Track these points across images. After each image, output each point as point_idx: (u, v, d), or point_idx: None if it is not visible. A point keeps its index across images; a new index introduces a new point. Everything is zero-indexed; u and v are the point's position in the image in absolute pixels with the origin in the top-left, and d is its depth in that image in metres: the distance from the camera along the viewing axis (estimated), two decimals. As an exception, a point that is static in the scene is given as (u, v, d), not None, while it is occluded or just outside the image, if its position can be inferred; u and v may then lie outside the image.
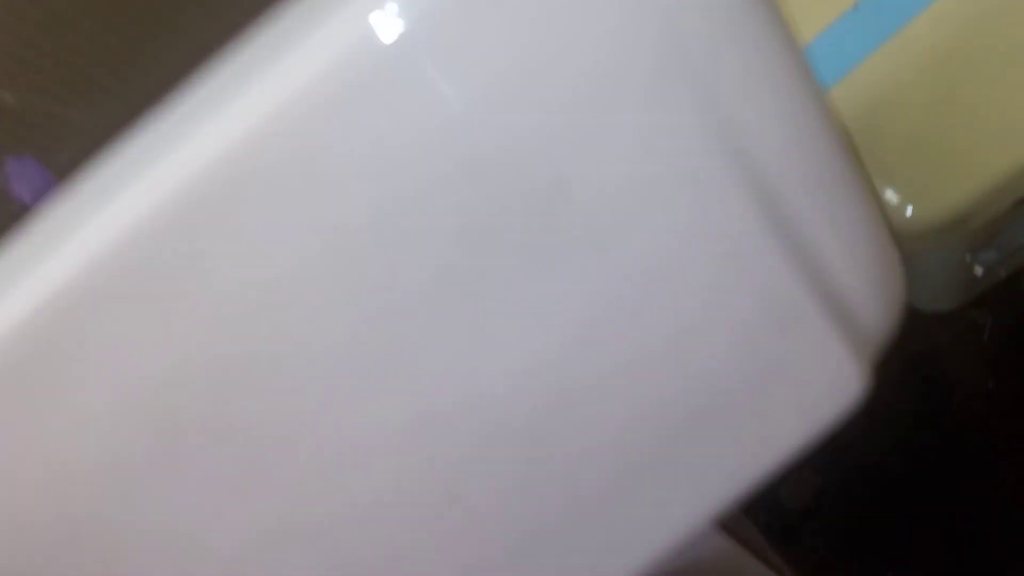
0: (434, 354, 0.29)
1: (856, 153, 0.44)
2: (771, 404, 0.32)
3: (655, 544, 0.34)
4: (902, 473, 0.90)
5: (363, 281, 0.27)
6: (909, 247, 0.47)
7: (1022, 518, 0.87)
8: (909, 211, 0.45)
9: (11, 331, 0.26)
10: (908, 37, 0.45)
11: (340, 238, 0.27)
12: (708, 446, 0.33)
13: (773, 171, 0.29)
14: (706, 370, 0.32)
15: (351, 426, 0.29)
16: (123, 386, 0.27)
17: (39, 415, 0.27)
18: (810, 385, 0.32)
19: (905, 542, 0.89)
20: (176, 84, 0.27)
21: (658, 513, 0.33)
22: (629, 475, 0.32)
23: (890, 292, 0.33)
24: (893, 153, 0.45)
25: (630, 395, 0.31)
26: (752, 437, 0.33)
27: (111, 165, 0.27)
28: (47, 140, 0.41)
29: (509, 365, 0.30)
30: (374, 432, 0.29)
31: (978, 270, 0.56)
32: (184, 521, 0.28)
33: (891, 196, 0.45)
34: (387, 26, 0.25)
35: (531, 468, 0.31)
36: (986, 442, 0.89)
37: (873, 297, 0.33)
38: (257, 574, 0.30)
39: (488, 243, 0.28)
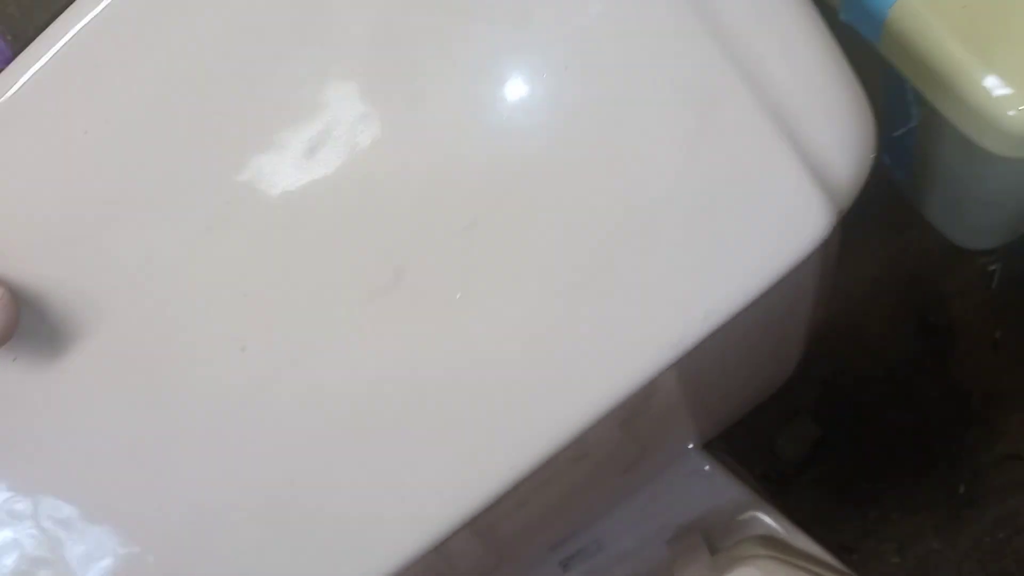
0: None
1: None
2: (721, 230, 0.29)
3: (605, 391, 0.31)
4: (903, 425, 0.87)
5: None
6: (1005, 153, 0.42)
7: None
8: (1013, 111, 0.41)
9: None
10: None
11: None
12: (657, 271, 0.30)
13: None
14: (643, 180, 0.29)
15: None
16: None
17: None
18: (764, 211, 0.29)
19: (903, 495, 0.86)
20: None
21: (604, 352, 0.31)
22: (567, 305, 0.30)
23: (852, 127, 0.29)
24: (1002, 44, 0.41)
25: (562, 206, 0.30)
26: (702, 267, 0.30)
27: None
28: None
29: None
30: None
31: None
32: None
33: (994, 89, 0.41)
34: None
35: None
36: (990, 394, 0.86)
37: (831, 126, 0.29)
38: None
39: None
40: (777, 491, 0.87)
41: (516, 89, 0.30)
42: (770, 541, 0.56)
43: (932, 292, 0.87)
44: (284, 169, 0.31)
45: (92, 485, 0.33)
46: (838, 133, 0.29)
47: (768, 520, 0.59)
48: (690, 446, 0.61)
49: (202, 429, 0.32)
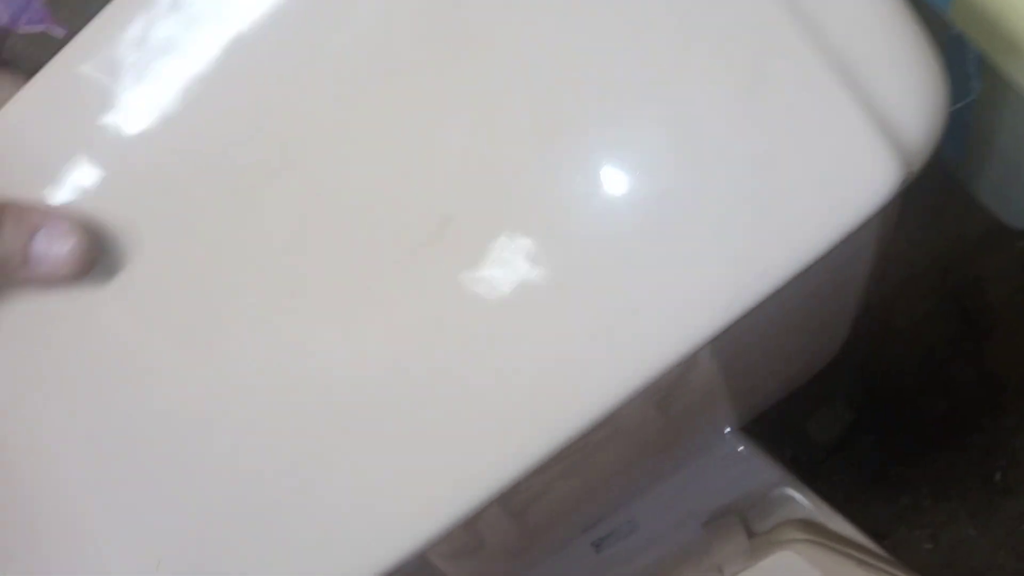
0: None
1: None
2: (778, 184, 0.27)
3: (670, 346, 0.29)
4: (937, 410, 0.85)
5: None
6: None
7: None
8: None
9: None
10: None
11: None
12: (708, 227, 0.28)
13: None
14: (691, 131, 0.27)
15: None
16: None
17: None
18: (825, 166, 0.27)
19: (937, 482, 0.85)
20: None
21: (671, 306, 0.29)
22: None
23: (922, 81, 0.27)
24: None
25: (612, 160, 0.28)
26: (758, 224, 0.28)
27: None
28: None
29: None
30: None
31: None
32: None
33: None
34: None
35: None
36: (1027, 381, 0.84)
37: (898, 78, 0.27)
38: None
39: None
40: (808, 475, 0.86)
41: (561, 37, 0.29)
42: (809, 525, 0.55)
43: (969, 276, 0.86)
44: (337, 114, 0.30)
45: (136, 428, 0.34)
46: (906, 86, 0.27)
47: (806, 503, 0.58)
48: (727, 430, 0.60)
49: (248, 379, 0.32)
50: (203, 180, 0.32)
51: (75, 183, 0.33)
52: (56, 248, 0.31)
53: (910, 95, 0.27)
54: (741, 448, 0.60)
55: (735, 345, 0.36)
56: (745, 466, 0.59)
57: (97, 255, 0.32)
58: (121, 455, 0.33)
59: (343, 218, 0.31)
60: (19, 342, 0.34)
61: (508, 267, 0.30)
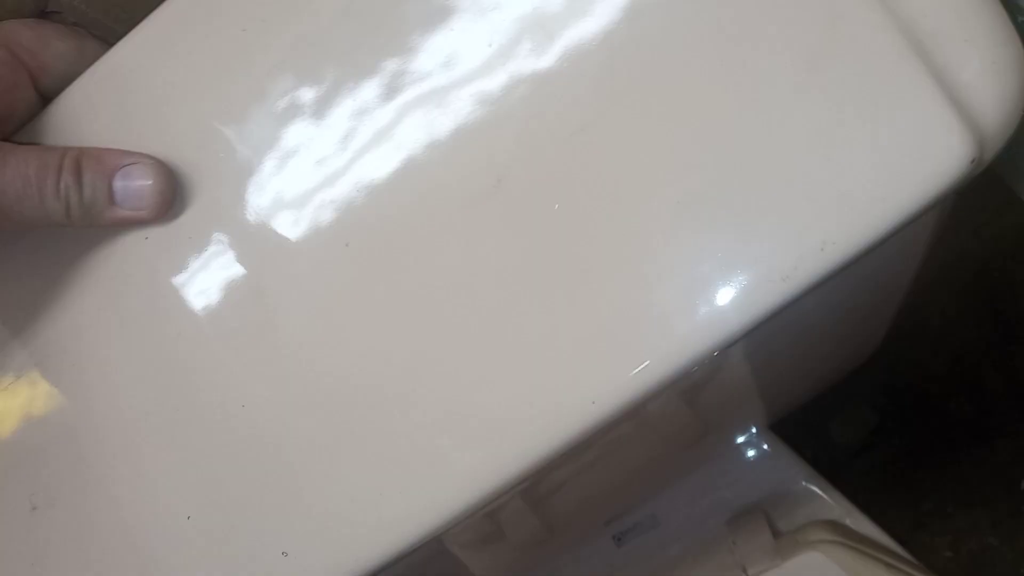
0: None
1: None
2: (844, 156, 0.25)
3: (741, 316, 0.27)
4: (964, 416, 0.84)
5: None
6: None
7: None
8: None
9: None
10: None
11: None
12: (770, 195, 0.26)
13: None
14: (758, 97, 0.26)
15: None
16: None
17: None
18: (894, 138, 0.25)
19: (960, 489, 0.83)
20: None
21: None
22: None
23: (1000, 58, 0.25)
24: None
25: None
26: (822, 195, 0.26)
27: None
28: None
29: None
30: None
31: None
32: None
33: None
34: None
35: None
36: (1057, 389, 0.83)
37: (974, 52, 0.25)
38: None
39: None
40: (828, 476, 0.85)
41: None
42: (835, 526, 0.54)
43: (1003, 281, 0.84)
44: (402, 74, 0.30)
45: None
46: (982, 62, 0.25)
47: (834, 504, 0.57)
48: (753, 429, 0.59)
49: (306, 321, 0.31)
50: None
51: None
52: (138, 184, 0.32)
53: (990, 75, 0.25)
54: (767, 447, 0.58)
55: (780, 335, 0.35)
56: (771, 464, 0.58)
57: (176, 192, 0.32)
58: (174, 418, 0.33)
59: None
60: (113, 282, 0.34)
61: (565, 221, 0.29)
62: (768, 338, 0.31)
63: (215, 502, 0.32)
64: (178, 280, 0.33)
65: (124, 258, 0.34)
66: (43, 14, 0.37)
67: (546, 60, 0.29)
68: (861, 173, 0.26)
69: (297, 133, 0.31)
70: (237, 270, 0.32)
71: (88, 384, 0.34)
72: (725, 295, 0.27)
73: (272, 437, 0.31)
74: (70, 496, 0.34)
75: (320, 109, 0.31)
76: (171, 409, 0.33)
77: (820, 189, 0.26)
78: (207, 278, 0.33)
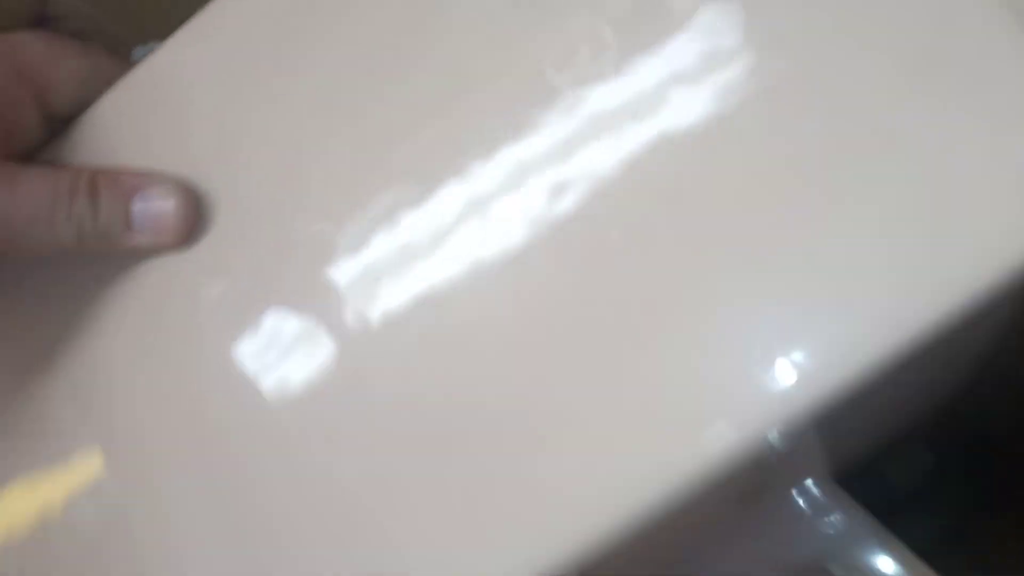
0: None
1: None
2: (964, 180, 0.23)
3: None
4: (1028, 459, 0.79)
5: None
6: None
7: None
8: None
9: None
10: None
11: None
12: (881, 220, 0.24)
13: None
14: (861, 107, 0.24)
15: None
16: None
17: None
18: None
19: (1021, 537, 0.78)
20: None
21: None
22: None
23: None
24: None
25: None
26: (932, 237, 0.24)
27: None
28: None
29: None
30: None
31: None
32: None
33: None
34: None
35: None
36: None
37: None
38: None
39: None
40: (882, 521, 0.80)
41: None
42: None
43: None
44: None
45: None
46: None
47: (899, 563, 0.54)
48: (809, 480, 0.55)
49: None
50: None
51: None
52: (157, 208, 0.30)
53: None
54: (829, 500, 0.55)
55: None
56: (832, 519, 0.54)
57: (199, 216, 0.31)
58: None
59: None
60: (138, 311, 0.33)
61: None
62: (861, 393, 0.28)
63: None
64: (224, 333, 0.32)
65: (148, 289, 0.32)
66: (45, 20, 0.35)
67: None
68: (991, 198, 0.24)
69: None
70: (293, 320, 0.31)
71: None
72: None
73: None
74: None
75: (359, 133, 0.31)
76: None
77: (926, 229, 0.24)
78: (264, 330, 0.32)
